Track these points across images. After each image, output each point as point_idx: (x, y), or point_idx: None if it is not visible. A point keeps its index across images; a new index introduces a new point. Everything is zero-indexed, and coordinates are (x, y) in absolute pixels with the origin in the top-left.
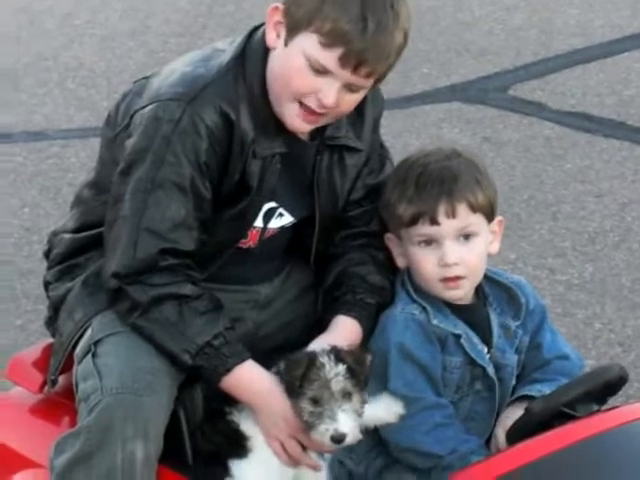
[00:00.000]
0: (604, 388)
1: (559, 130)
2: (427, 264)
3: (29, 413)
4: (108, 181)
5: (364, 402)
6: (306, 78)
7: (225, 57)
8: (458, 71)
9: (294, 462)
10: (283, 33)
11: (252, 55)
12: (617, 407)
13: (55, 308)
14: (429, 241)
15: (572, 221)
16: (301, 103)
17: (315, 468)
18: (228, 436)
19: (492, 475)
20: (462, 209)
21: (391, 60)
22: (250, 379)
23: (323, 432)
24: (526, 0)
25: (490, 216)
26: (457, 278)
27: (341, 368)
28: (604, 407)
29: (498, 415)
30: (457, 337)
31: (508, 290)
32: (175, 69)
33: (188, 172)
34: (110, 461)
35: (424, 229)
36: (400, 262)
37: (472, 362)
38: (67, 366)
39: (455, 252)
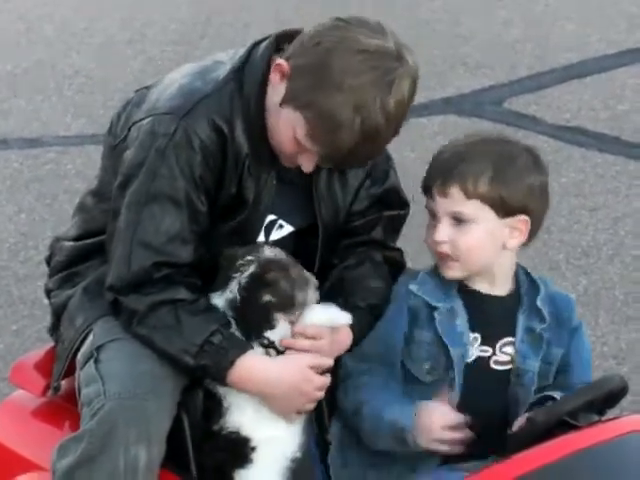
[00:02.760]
0: (606, 398)
1: (554, 144)
2: (428, 236)
3: (32, 416)
4: (109, 189)
5: None
6: (290, 145)
7: (223, 71)
8: (453, 84)
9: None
10: (283, 89)
11: (251, 72)
12: (617, 418)
13: (57, 315)
14: (432, 214)
15: (566, 234)
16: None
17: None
18: (229, 449)
19: None
20: (454, 191)
21: (372, 160)
22: (255, 368)
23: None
24: (522, 14)
25: (502, 210)
26: (445, 255)
27: (283, 253)
28: (604, 418)
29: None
30: (432, 309)
31: (551, 298)
32: (173, 80)
33: (182, 185)
34: (112, 465)
35: (428, 202)
36: None
37: (442, 343)
38: (70, 370)
39: (444, 231)
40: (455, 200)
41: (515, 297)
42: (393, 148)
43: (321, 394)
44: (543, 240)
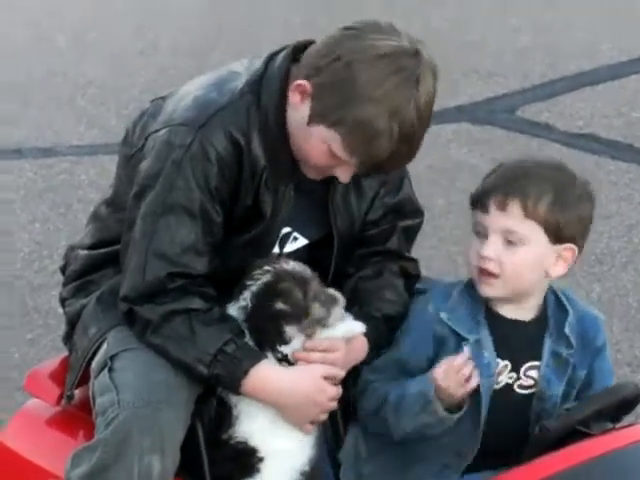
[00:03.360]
0: (619, 406)
1: (567, 152)
2: (472, 251)
3: (46, 425)
4: (124, 199)
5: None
6: (325, 159)
7: (240, 82)
8: (466, 92)
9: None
10: (306, 109)
11: (269, 84)
12: (631, 425)
13: (71, 324)
14: (479, 232)
15: None
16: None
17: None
18: (237, 458)
19: None
20: (514, 207)
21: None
22: (269, 378)
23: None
24: (533, 21)
25: (555, 236)
26: (489, 273)
27: (304, 267)
28: (618, 425)
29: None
30: (461, 339)
31: (579, 319)
32: (189, 92)
33: (198, 197)
34: (127, 474)
35: (477, 215)
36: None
37: None
38: (84, 379)
39: (493, 247)
40: (513, 216)
41: (542, 320)
42: None
43: (334, 404)
44: None
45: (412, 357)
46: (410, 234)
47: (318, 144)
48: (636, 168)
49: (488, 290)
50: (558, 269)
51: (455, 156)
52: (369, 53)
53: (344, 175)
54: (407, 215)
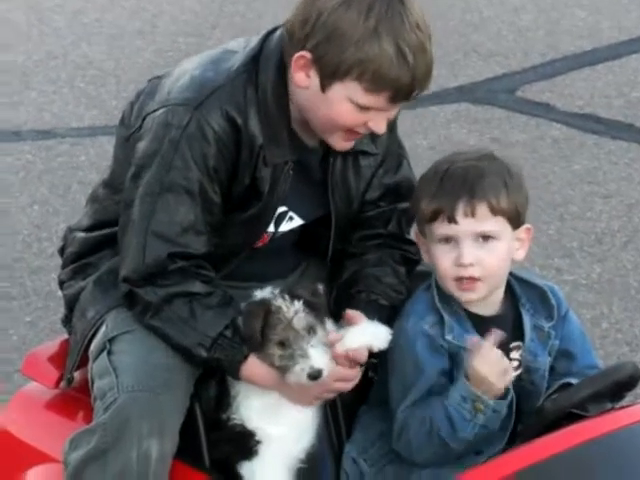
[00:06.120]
0: (619, 386)
1: (567, 131)
2: (444, 262)
3: (45, 408)
4: (122, 180)
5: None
6: (355, 116)
7: (236, 61)
8: (466, 72)
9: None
10: (315, 78)
11: (266, 62)
12: (630, 405)
13: (70, 307)
14: (448, 239)
15: (579, 222)
16: (349, 130)
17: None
18: (234, 441)
19: (498, 475)
20: (482, 210)
21: (432, 69)
22: None
23: (299, 372)
24: (534, 1)
25: (515, 222)
26: (472, 279)
27: (298, 305)
28: (618, 405)
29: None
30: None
31: (541, 291)
32: (186, 71)
33: (196, 177)
34: (125, 458)
35: (442, 227)
36: (425, 258)
37: None
38: (83, 361)
39: (471, 253)
40: (483, 218)
41: (510, 304)
42: (406, 136)
43: (340, 385)
44: (557, 227)
45: (435, 380)
46: (409, 216)
47: (343, 104)
48: (636, 147)
49: (471, 296)
50: (521, 252)
51: (455, 136)
52: None
53: (380, 125)
54: (406, 197)
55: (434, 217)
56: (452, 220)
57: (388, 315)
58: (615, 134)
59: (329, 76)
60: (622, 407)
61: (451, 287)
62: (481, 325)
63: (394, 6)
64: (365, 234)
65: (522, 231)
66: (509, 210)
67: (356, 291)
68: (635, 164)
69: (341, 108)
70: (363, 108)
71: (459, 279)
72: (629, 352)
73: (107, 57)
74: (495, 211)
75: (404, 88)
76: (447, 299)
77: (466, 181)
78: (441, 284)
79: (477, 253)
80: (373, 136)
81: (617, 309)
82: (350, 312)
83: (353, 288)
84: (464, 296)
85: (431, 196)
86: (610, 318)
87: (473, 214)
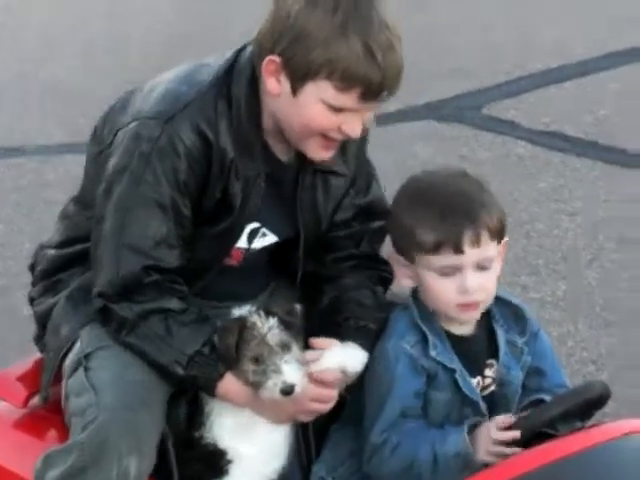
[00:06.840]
0: (585, 406)
1: (532, 149)
2: (447, 292)
3: (14, 428)
4: (92, 197)
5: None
6: (328, 118)
7: (209, 75)
8: (433, 89)
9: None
10: (286, 83)
11: (239, 75)
12: (599, 424)
13: (42, 324)
14: (447, 270)
15: (546, 239)
16: (324, 136)
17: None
18: (205, 460)
19: None
20: (485, 237)
21: (403, 70)
22: None
23: (272, 388)
24: (503, 18)
25: (499, 239)
26: (476, 303)
27: (273, 322)
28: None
29: None
30: (451, 372)
31: (514, 308)
32: (159, 84)
33: (167, 191)
34: (105, 477)
35: (447, 258)
36: (406, 282)
37: (464, 398)
38: (53, 380)
39: (476, 280)
40: (486, 245)
41: (485, 323)
42: (372, 153)
43: (317, 406)
44: (522, 245)
45: (406, 397)
46: (381, 235)
47: (315, 106)
48: (602, 165)
49: (473, 314)
50: (499, 265)
51: (422, 153)
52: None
53: (354, 128)
54: (378, 216)
55: (437, 248)
56: (459, 251)
57: (375, 335)
58: (580, 152)
59: (299, 78)
60: (592, 425)
61: (453, 311)
62: (459, 344)
63: (361, 4)
64: (338, 256)
65: (502, 245)
66: (499, 228)
67: (343, 318)
68: (600, 182)
69: (313, 110)
70: (336, 109)
71: (463, 305)
72: (595, 371)
73: (77, 76)
74: (492, 235)
75: (374, 86)
76: (428, 317)
77: (469, 211)
78: (439, 309)
79: (480, 279)
80: (344, 155)
81: (582, 327)
82: (320, 340)
83: (338, 315)
84: (466, 316)
85: (432, 227)
86: (576, 336)
87: (478, 244)
